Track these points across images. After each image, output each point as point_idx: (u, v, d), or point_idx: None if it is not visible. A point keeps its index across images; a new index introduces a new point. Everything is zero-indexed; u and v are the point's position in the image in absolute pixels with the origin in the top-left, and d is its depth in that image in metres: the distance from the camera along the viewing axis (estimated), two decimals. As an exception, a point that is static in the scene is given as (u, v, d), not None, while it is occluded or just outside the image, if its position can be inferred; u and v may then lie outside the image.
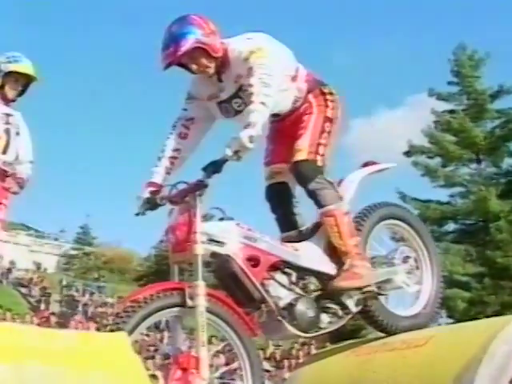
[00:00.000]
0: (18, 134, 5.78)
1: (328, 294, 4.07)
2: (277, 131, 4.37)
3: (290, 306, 3.91)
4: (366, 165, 4.53)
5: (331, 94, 4.30)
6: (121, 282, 62.04)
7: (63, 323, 20.37)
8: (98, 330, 20.61)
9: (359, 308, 4.15)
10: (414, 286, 4.44)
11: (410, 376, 3.61)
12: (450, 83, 34.58)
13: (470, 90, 33.73)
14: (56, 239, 68.92)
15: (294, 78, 4.21)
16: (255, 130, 3.65)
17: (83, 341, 2.79)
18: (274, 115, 4.19)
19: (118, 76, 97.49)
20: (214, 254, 3.79)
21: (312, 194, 4.12)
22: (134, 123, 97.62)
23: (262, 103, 3.75)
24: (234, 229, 3.85)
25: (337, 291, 4.06)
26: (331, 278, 4.07)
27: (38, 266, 52.85)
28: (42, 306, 31.93)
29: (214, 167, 3.74)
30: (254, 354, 3.80)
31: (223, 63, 4.04)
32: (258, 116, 3.71)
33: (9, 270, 43.81)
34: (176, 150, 4.19)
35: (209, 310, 3.65)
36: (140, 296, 3.56)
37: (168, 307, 3.59)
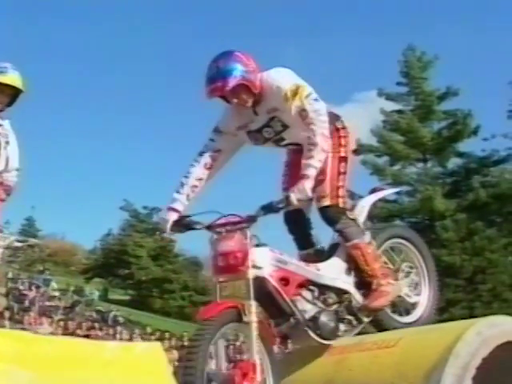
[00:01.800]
0: (7, 143, 5.92)
1: (345, 306, 4.61)
2: (295, 160, 4.72)
3: (314, 318, 4.42)
4: (374, 190, 5.13)
5: (344, 128, 4.73)
6: (66, 274, 61.51)
7: (18, 319, 20.24)
8: (50, 325, 20.55)
9: (370, 318, 4.68)
10: (414, 297, 5.02)
11: (381, 374, 3.94)
12: (398, 84, 35.13)
13: (418, 91, 34.31)
14: (0, 231, 67.86)
15: None
16: (312, 181, 4.26)
17: (123, 351, 3.03)
18: (297, 144, 4.65)
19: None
20: (254, 279, 4.23)
21: (340, 233, 4.68)
22: (80, 114, 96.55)
23: (319, 161, 4.31)
24: (269, 254, 4.30)
25: (369, 312, 4.63)
26: (347, 292, 4.63)
27: None
28: (-12, 301, 31.40)
29: (272, 210, 4.28)
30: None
31: (259, 97, 4.46)
32: (313, 171, 4.27)
33: None
34: (199, 179, 4.62)
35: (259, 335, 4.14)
36: (209, 314, 4.01)
37: (230, 322, 4.07)
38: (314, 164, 4.29)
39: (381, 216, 30.85)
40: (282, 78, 4.48)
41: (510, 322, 4.16)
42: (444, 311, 28.08)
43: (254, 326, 4.08)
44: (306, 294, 4.48)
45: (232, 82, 4.30)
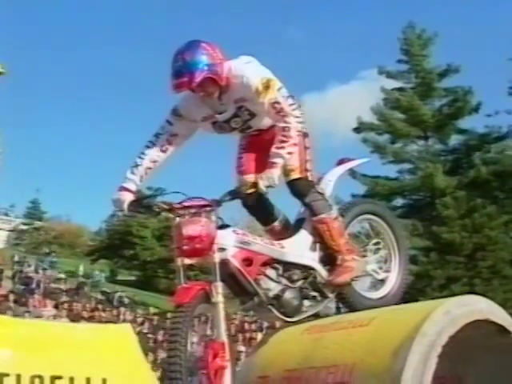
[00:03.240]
0: None
1: (309, 283, 4.73)
2: (251, 143, 4.89)
3: (278, 297, 4.55)
4: (341, 162, 5.12)
5: (300, 107, 4.82)
6: (71, 256, 61.87)
7: (23, 302, 20.46)
8: (55, 307, 20.76)
9: (335, 293, 4.83)
10: (382, 273, 5.10)
11: (355, 351, 4.10)
12: (399, 61, 35.12)
13: (419, 68, 34.31)
14: (6, 214, 68.21)
15: None
16: (280, 170, 4.41)
17: (94, 333, 3.22)
18: (260, 130, 4.78)
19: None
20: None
21: (308, 206, 4.77)
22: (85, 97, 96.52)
23: (289, 153, 4.46)
24: (232, 235, 4.43)
25: (333, 287, 4.76)
26: (312, 268, 4.72)
27: None
28: (-5, 283, 31.63)
29: (239, 195, 4.44)
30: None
31: (226, 87, 4.50)
32: (282, 161, 4.41)
33: (-41, 246, 43.30)
34: (154, 161, 4.64)
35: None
36: (184, 300, 4.14)
37: (201, 304, 4.21)
38: (284, 155, 4.43)
39: (382, 193, 30.99)
40: (250, 70, 4.51)
41: (481, 302, 4.30)
42: (444, 288, 28.36)
43: (222, 306, 4.22)
44: (270, 272, 4.57)
45: (199, 77, 4.32)
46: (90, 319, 19.08)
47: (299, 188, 4.73)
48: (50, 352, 3.00)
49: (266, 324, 24.08)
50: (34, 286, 29.90)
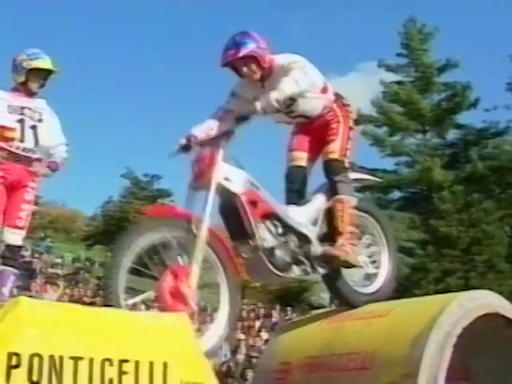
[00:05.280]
0: (40, 120, 6.24)
1: (303, 250, 4.82)
2: (302, 129, 5.20)
3: (272, 249, 4.65)
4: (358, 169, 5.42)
5: (349, 105, 5.21)
6: (67, 241, 61.91)
7: (25, 286, 20.67)
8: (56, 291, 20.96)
9: (325, 271, 4.90)
10: (372, 268, 5.25)
11: (375, 340, 4.42)
12: (398, 55, 35.26)
13: (418, 62, 34.43)
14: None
15: (324, 90, 5.06)
16: (282, 94, 4.57)
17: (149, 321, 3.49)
18: (306, 117, 5.10)
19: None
20: (224, 191, 4.53)
21: (334, 184, 4.96)
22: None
23: (295, 81, 4.68)
24: (244, 174, 4.62)
25: (326, 257, 4.85)
26: (308, 240, 4.83)
27: None
28: (-8, 268, 31.66)
29: (243, 118, 4.71)
30: (235, 290, 4.48)
31: (268, 73, 4.86)
32: (287, 86, 4.63)
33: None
34: (211, 128, 4.87)
35: (208, 244, 4.36)
36: (156, 214, 4.37)
37: (176, 228, 4.28)
38: (285, 85, 4.63)
39: (379, 186, 31.15)
40: (287, 57, 4.88)
41: (489, 297, 4.64)
42: (440, 281, 28.66)
43: (203, 238, 4.29)
44: (270, 225, 4.69)
45: (243, 52, 4.70)
46: (92, 305, 19.30)
47: (334, 167, 4.99)
48: (116, 337, 3.26)
49: (262, 311, 24.49)
50: (34, 270, 30.04)
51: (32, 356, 2.97)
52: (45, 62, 6.26)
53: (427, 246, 30.10)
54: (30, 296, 18.43)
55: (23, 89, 6.27)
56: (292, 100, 4.87)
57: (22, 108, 6.19)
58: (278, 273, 4.68)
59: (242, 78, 4.91)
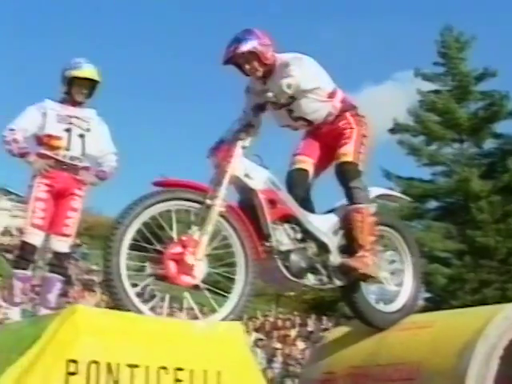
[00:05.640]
0: (88, 130, 6.32)
1: (321, 259, 4.66)
2: (310, 136, 5.07)
3: (288, 252, 4.48)
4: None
5: (364, 117, 5.03)
6: (102, 248, 62.30)
7: (63, 293, 20.83)
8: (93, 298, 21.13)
9: (341, 283, 4.73)
10: (394, 286, 5.06)
11: (420, 351, 4.44)
12: (435, 64, 35.08)
13: (456, 71, 34.18)
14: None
15: (330, 95, 4.92)
16: (294, 80, 4.57)
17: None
18: (308, 122, 4.95)
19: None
20: (243, 187, 4.46)
21: (350, 191, 4.75)
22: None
23: (300, 68, 4.66)
24: (265, 173, 4.53)
25: (344, 268, 4.68)
26: (327, 250, 4.67)
27: (21, 231, 52.04)
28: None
29: (259, 107, 4.59)
30: (252, 270, 4.24)
31: (270, 70, 4.81)
32: (296, 70, 4.61)
33: (-7, 236, 43.82)
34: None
35: (224, 218, 4.23)
36: (171, 183, 4.25)
37: (190, 200, 4.18)
38: (296, 72, 4.63)
39: (415, 195, 30.99)
40: (291, 55, 4.83)
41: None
42: (477, 292, 28.40)
43: (216, 209, 4.16)
44: (288, 229, 4.56)
45: (243, 47, 4.65)
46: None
47: (348, 170, 4.79)
48: (171, 346, 3.32)
49: (298, 320, 24.45)
50: (70, 277, 30.28)
51: (90, 363, 3.05)
52: (84, 71, 6.30)
53: (464, 256, 29.81)
54: (68, 302, 18.70)
55: (69, 99, 6.37)
56: (292, 98, 4.75)
57: (70, 117, 6.29)
58: (291, 278, 4.51)
59: (246, 75, 4.86)
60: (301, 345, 17.90)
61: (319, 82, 4.86)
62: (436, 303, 24.95)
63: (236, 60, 4.76)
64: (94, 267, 39.34)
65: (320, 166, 5.03)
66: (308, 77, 4.73)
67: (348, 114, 4.96)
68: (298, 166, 4.96)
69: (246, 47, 4.68)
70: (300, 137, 5.18)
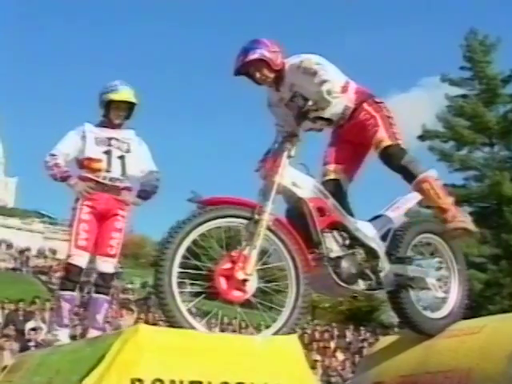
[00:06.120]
0: (128, 151, 6.42)
1: (371, 265, 4.66)
2: (334, 138, 5.06)
3: (338, 259, 4.51)
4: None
5: (382, 102, 4.96)
6: (136, 266, 62.68)
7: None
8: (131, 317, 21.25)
9: (391, 288, 4.73)
10: (441, 292, 5.01)
11: (469, 357, 4.44)
12: (462, 68, 35.04)
13: (482, 75, 34.17)
14: (71, 225, 69.16)
15: (344, 89, 4.82)
16: (331, 84, 4.55)
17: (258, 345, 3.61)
18: (327, 120, 4.84)
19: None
20: (291, 196, 4.50)
21: (404, 169, 4.68)
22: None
23: (327, 71, 4.64)
24: (313, 181, 4.58)
25: (448, 234, 4.72)
26: (376, 255, 4.67)
27: (54, 252, 52.59)
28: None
29: (302, 116, 4.58)
30: (303, 282, 4.27)
31: (281, 75, 4.85)
32: (327, 74, 4.59)
33: (27, 258, 44.17)
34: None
35: (273, 232, 4.27)
36: (218, 201, 4.26)
37: (238, 217, 4.25)
38: (325, 76, 4.59)
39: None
40: (299, 56, 4.84)
41: None
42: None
43: (264, 223, 4.20)
44: (337, 236, 4.59)
45: (252, 56, 4.71)
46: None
47: (392, 152, 4.72)
48: (231, 361, 3.33)
49: (336, 332, 24.39)
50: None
51: (154, 381, 3.13)
52: (121, 94, 6.38)
53: (500, 260, 29.61)
54: (107, 322, 18.84)
55: (108, 121, 6.47)
56: (306, 100, 4.69)
57: (110, 139, 6.39)
58: (342, 284, 4.52)
59: (258, 84, 4.90)
60: (340, 356, 17.86)
61: (333, 78, 4.76)
62: (473, 309, 24.55)
63: (246, 69, 4.82)
64: (129, 286, 39.64)
65: (351, 169, 5.02)
66: (335, 76, 4.74)
67: (365, 105, 4.90)
68: (328, 177, 4.94)
69: (254, 55, 4.74)
70: (326, 143, 5.15)
